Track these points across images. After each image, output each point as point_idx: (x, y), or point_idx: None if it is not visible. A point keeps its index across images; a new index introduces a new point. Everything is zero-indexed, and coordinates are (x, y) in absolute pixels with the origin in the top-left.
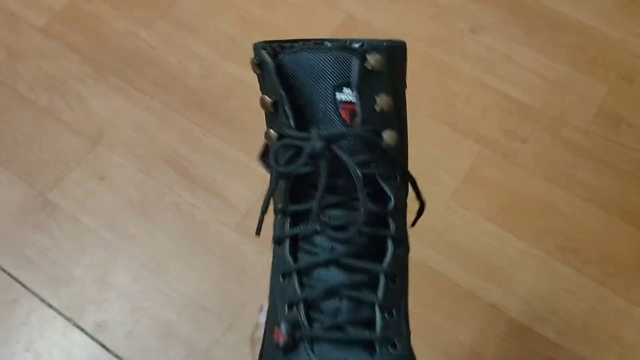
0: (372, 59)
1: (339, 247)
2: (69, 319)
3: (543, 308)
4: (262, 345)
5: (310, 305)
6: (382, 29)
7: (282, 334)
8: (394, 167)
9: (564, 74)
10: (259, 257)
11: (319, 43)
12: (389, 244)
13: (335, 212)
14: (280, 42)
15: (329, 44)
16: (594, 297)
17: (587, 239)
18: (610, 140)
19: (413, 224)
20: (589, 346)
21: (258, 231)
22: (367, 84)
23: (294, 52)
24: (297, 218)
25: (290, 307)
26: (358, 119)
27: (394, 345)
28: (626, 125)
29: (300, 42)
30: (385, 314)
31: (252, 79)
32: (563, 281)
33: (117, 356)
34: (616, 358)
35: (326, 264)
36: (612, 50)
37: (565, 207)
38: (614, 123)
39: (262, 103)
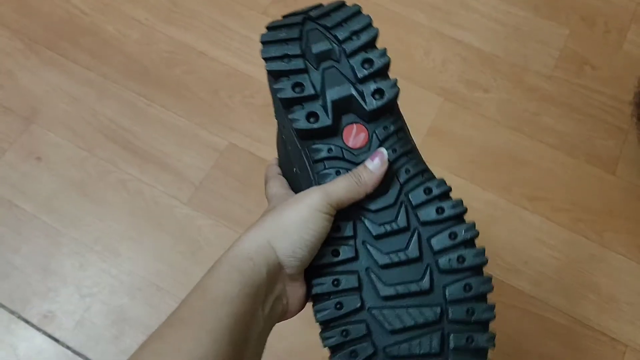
0: None
1: None
2: (12, 312)
3: (515, 260)
4: None
5: None
6: None
7: None
8: None
9: (523, 19)
10: (214, 231)
11: None
12: None
13: None
14: None
15: None
16: (566, 245)
17: (555, 186)
18: (574, 84)
19: None
20: (564, 295)
21: None
22: None
23: None
24: None
25: None
26: None
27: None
28: (590, 67)
29: None
30: None
31: (196, 42)
32: (534, 231)
33: (67, 347)
34: (592, 305)
35: None
36: None
37: (531, 155)
38: (577, 67)
39: None
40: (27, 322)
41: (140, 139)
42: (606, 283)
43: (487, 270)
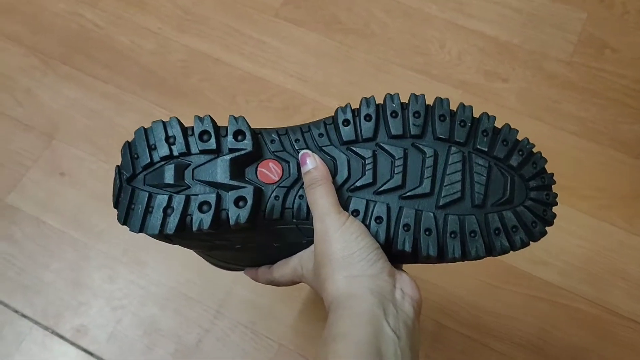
0: None
1: None
2: (46, 328)
3: (541, 252)
4: None
5: None
6: None
7: None
8: None
9: (539, 5)
10: None
11: None
12: None
13: None
14: None
15: None
16: (593, 234)
17: (580, 174)
18: (595, 68)
19: None
20: (592, 284)
21: None
22: None
23: None
24: None
25: None
26: None
27: None
28: (610, 50)
29: None
30: None
31: (210, 49)
32: (560, 220)
33: None
34: (621, 292)
35: None
36: None
37: (554, 143)
38: (596, 50)
39: None
40: (61, 337)
41: None
42: (635, 270)
43: (514, 264)
